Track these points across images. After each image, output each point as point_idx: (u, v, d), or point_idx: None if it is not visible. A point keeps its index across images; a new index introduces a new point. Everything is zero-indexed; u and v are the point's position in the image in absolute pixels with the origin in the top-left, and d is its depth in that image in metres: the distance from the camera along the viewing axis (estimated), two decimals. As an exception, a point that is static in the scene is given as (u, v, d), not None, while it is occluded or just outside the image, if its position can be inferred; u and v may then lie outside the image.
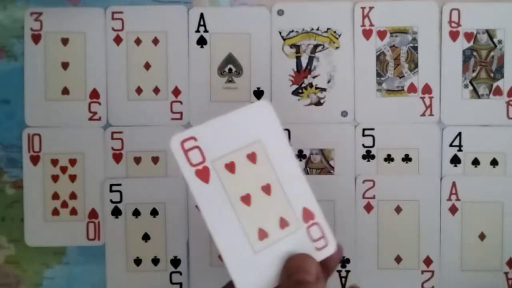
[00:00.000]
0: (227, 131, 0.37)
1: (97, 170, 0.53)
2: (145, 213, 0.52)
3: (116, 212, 0.52)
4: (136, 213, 0.52)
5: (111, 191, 0.52)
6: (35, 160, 0.52)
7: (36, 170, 0.52)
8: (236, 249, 0.36)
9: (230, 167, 0.36)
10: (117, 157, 0.53)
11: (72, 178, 0.53)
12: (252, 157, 0.37)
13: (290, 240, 0.37)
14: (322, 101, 0.52)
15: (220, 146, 0.36)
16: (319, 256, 0.37)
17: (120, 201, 0.52)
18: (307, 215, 0.37)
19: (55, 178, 0.53)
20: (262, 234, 0.37)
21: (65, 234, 0.53)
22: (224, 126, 0.37)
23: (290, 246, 0.37)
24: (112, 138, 0.53)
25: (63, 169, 0.53)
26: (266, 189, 0.37)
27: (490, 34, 0.52)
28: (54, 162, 0.53)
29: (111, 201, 0.52)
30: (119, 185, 0.52)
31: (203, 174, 0.36)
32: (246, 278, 0.36)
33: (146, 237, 0.53)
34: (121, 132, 0.53)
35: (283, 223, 0.37)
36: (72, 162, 0.53)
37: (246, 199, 0.36)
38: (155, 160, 0.53)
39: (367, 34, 0.52)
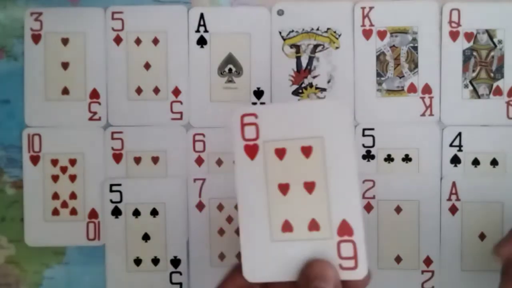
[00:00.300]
0: (291, 118, 0.36)
1: (97, 170, 0.53)
2: (145, 213, 0.52)
3: (116, 212, 0.52)
4: (136, 213, 0.52)
5: (111, 191, 0.52)
6: (35, 160, 0.52)
7: (36, 170, 0.53)
8: (255, 230, 0.36)
9: (280, 153, 0.36)
10: (117, 157, 0.53)
11: (72, 178, 0.53)
12: (306, 151, 0.36)
13: (315, 245, 0.36)
14: (322, 101, 0.53)
15: (278, 130, 0.36)
16: (343, 276, 0.36)
17: (120, 201, 0.52)
18: (345, 229, 0.35)
19: (55, 178, 0.53)
20: (287, 227, 0.36)
21: (65, 234, 0.53)
22: (290, 112, 0.36)
23: (311, 251, 0.36)
24: (112, 138, 0.53)
25: (63, 169, 0.53)
26: (309, 186, 0.36)
27: (490, 34, 0.52)
28: (54, 162, 0.53)
29: (111, 201, 0.52)
30: (119, 185, 0.52)
31: (251, 151, 0.36)
32: (253, 261, 0.36)
33: (146, 237, 0.53)
34: (121, 132, 0.53)
35: (313, 226, 0.36)
36: (72, 162, 0.53)
37: (283, 188, 0.36)
38: (155, 160, 0.53)
39: (367, 34, 0.52)
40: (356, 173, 0.36)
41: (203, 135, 0.52)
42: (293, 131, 0.36)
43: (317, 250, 0.36)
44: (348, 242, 0.35)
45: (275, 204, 0.36)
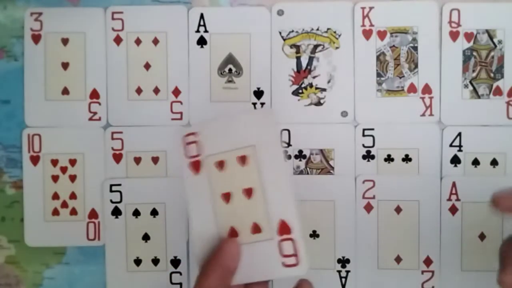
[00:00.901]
0: (226, 132, 0.39)
1: (97, 170, 0.53)
2: (145, 213, 0.52)
3: (116, 212, 0.52)
4: (136, 213, 0.52)
5: (111, 191, 0.52)
6: (35, 160, 0.52)
7: (36, 170, 0.53)
8: (204, 238, 0.38)
9: (220, 165, 0.39)
10: (117, 157, 0.53)
11: (72, 178, 0.53)
12: (242, 160, 0.38)
13: (259, 247, 0.38)
14: (322, 101, 0.52)
15: (216, 145, 0.39)
16: (286, 273, 0.38)
17: (120, 201, 0.52)
18: (284, 228, 0.38)
19: (55, 178, 0.53)
20: (232, 233, 0.39)
21: (65, 234, 0.53)
22: (225, 127, 0.39)
23: (257, 252, 0.38)
24: (112, 138, 0.53)
25: (63, 169, 0.53)
26: (248, 192, 0.38)
27: (490, 34, 0.52)
28: (54, 162, 0.53)
29: (111, 201, 0.52)
30: (119, 185, 0.52)
31: (195, 166, 0.39)
32: None
33: (146, 237, 0.53)
34: (121, 132, 0.53)
35: (256, 229, 0.38)
36: (72, 162, 0.53)
37: (226, 197, 0.38)
38: (155, 160, 0.53)
39: (367, 34, 0.52)
40: (287, 174, 0.38)
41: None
42: (229, 143, 0.39)
43: (262, 251, 0.38)
44: (288, 240, 0.38)
45: (220, 212, 0.38)
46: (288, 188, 0.38)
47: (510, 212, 0.40)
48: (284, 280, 0.39)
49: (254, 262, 0.38)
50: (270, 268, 0.38)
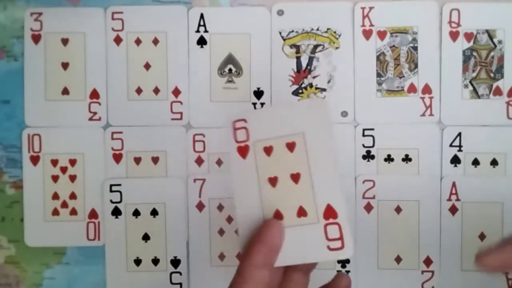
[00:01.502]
0: (275, 119, 0.40)
1: (97, 170, 0.53)
2: (145, 213, 0.53)
3: (116, 212, 0.53)
4: (136, 213, 0.53)
5: (111, 191, 0.52)
6: (35, 160, 0.53)
7: (36, 170, 0.53)
8: (249, 220, 0.39)
9: (268, 150, 0.40)
10: (117, 157, 0.53)
11: (72, 178, 0.53)
12: (290, 146, 0.39)
13: (304, 230, 0.39)
14: (322, 101, 0.53)
15: (265, 131, 0.40)
16: (331, 256, 0.39)
17: (120, 201, 0.52)
18: (329, 212, 0.39)
19: (55, 178, 0.53)
20: (278, 215, 0.39)
21: (65, 234, 0.53)
22: (274, 114, 0.41)
23: (302, 235, 0.39)
24: (112, 138, 0.53)
25: (63, 169, 0.53)
26: (295, 177, 0.39)
27: (490, 34, 0.52)
28: (54, 162, 0.53)
29: (111, 201, 0.52)
30: (119, 185, 0.52)
31: (243, 151, 0.40)
32: None
33: (146, 237, 0.53)
34: (121, 132, 0.53)
35: (301, 212, 0.39)
36: (72, 162, 0.53)
37: (273, 181, 0.39)
38: (155, 160, 0.53)
39: (367, 34, 0.52)
40: (334, 162, 0.39)
41: (203, 135, 0.53)
42: (278, 130, 0.40)
43: (307, 235, 0.39)
44: (334, 224, 0.38)
45: (266, 196, 0.40)
46: (335, 175, 0.39)
47: (495, 270, 0.41)
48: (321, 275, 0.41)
49: (298, 245, 0.39)
50: (315, 251, 0.39)
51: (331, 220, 0.39)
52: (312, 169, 0.39)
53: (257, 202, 0.40)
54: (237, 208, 0.40)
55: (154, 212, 0.53)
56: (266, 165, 0.40)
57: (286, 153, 0.40)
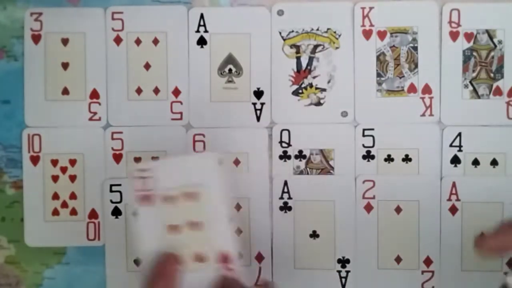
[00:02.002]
0: (178, 170, 0.44)
1: (97, 170, 0.53)
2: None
3: (116, 212, 0.53)
4: (136, 213, 0.53)
5: (111, 191, 0.53)
6: (35, 160, 0.53)
7: (36, 170, 0.53)
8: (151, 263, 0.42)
9: (171, 199, 0.43)
10: (117, 157, 0.53)
11: (72, 178, 0.53)
12: (191, 196, 0.43)
13: (202, 275, 0.42)
14: (322, 101, 0.53)
15: (169, 181, 0.43)
16: None
17: (120, 201, 0.53)
18: (224, 258, 0.43)
19: (55, 178, 0.53)
20: None
21: (65, 234, 0.53)
22: (177, 165, 0.44)
23: (200, 280, 0.42)
24: (112, 139, 0.53)
25: (63, 169, 0.53)
26: (194, 225, 0.43)
27: (490, 34, 0.52)
28: (54, 162, 0.53)
29: (111, 201, 0.53)
30: (119, 185, 0.53)
31: (147, 199, 0.43)
32: None
33: (146, 237, 0.53)
34: (121, 132, 0.53)
35: (198, 258, 0.43)
36: (72, 162, 0.53)
37: (173, 228, 0.43)
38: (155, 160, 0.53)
39: (367, 34, 0.53)
40: (227, 212, 0.43)
41: (203, 135, 0.53)
42: (180, 180, 0.43)
43: (205, 278, 0.42)
44: (229, 269, 0.43)
45: (166, 242, 0.43)
46: (228, 224, 0.43)
47: (493, 252, 0.42)
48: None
49: None
50: None
51: (225, 265, 0.43)
52: (209, 218, 0.43)
53: (160, 247, 0.42)
54: (141, 253, 0.43)
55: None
56: (168, 213, 0.43)
57: (187, 202, 0.43)
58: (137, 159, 0.53)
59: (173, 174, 0.43)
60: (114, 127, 0.53)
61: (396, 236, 0.53)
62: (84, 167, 0.53)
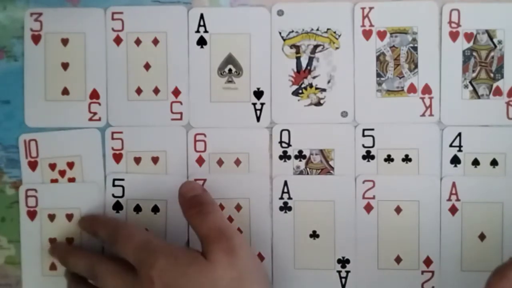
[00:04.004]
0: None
1: (97, 170, 0.54)
2: (146, 210, 0.54)
3: (117, 207, 0.54)
4: (137, 208, 0.54)
5: (113, 185, 0.54)
6: (33, 165, 0.54)
7: (35, 176, 0.54)
8: None
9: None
10: (117, 158, 0.54)
11: (71, 179, 0.55)
12: None
13: None
14: (322, 101, 0.54)
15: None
16: None
17: (122, 196, 0.54)
18: None
19: (54, 182, 0.55)
20: None
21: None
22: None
23: None
24: (112, 138, 0.54)
25: (61, 173, 0.54)
26: None
27: (490, 34, 0.54)
28: (52, 165, 0.54)
29: (113, 195, 0.54)
30: (122, 179, 0.54)
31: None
32: None
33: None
34: (121, 132, 0.54)
35: None
36: (70, 163, 0.54)
37: None
38: (155, 160, 0.54)
39: (367, 34, 0.54)
40: None
41: (204, 135, 0.54)
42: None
43: None
44: None
45: None
46: None
47: None
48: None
49: None
50: None
51: None
52: None
53: None
54: None
55: (155, 209, 0.54)
56: None
57: None
58: (137, 159, 0.54)
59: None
60: (114, 127, 0.54)
61: (396, 236, 0.54)
62: (82, 168, 0.54)
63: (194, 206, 0.49)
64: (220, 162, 0.54)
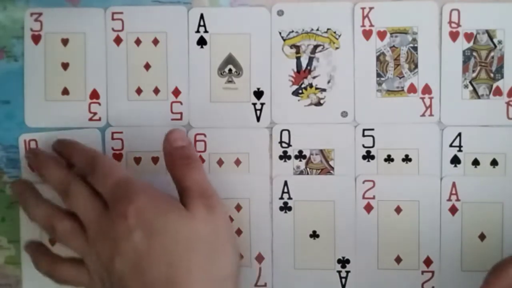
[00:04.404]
0: None
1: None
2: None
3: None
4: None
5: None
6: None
7: (35, 174, 0.54)
8: None
9: None
10: (117, 158, 0.55)
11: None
12: None
13: None
14: (322, 101, 0.54)
15: None
16: None
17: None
18: None
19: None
20: None
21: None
22: None
23: None
24: (112, 139, 0.55)
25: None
26: None
27: (490, 34, 0.54)
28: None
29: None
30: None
31: None
32: None
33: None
34: (121, 133, 0.55)
35: None
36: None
37: None
38: (155, 160, 0.54)
39: (367, 34, 0.54)
40: None
41: (205, 135, 0.54)
42: None
43: None
44: None
45: None
46: None
47: None
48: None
49: None
50: None
51: None
52: None
53: None
54: None
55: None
56: None
57: None
58: (137, 159, 0.55)
59: None
60: (114, 127, 0.55)
61: (396, 236, 0.54)
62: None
63: (181, 158, 0.49)
64: (220, 162, 0.55)
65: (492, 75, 0.54)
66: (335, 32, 0.55)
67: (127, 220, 0.44)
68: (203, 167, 0.52)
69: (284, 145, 0.54)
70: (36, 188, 0.52)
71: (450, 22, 0.54)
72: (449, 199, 0.54)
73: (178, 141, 0.50)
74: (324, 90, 0.55)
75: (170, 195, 0.49)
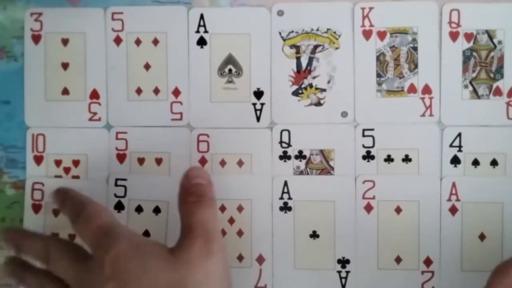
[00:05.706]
0: None
1: (100, 170, 0.55)
2: (147, 210, 0.55)
3: (119, 207, 0.55)
4: (139, 209, 0.55)
5: (116, 185, 0.55)
6: (38, 160, 0.55)
7: (39, 170, 0.56)
8: None
9: None
10: (121, 158, 0.56)
11: (76, 176, 0.56)
12: None
13: None
14: (322, 101, 0.55)
15: None
16: None
17: (124, 196, 0.55)
18: None
19: (57, 176, 0.56)
20: None
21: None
22: None
23: None
24: (117, 139, 0.55)
25: (66, 170, 0.56)
26: None
27: (490, 34, 0.55)
28: (57, 162, 0.56)
29: (115, 195, 0.55)
30: (125, 179, 0.55)
31: None
32: None
33: (146, 234, 0.55)
34: (126, 133, 0.55)
35: None
36: (76, 163, 0.56)
37: None
38: (158, 161, 0.55)
39: (367, 34, 0.55)
40: None
41: (207, 135, 0.55)
42: None
43: None
44: None
45: None
46: None
47: None
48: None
49: None
50: None
51: None
52: None
53: None
54: None
55: (156, 210, 0.55)
56: None
57: None
58: (141, 159, 0.56)
59: None
60: (115, 128, 0.56)
61: (396, 236, 0.55)
62: (87, 168, 0.56)
63: (195, 194, 0.48)
64: (222, 163, 0.55)
65: (492, 75, 0.55)
66: (335, 32, 0.55)
67: (104, 270, 0.43)
68: (216, 209, 0.50)
69: (284, 145, 0.55)
70: (27, 230, 0.53)
71: (450, 22, 0.55)
72: (449, 199, 0.55)
73: (197, 178, 0.49)
74: (324, 90, 0.55)
75: (155, 241, 0.47)
